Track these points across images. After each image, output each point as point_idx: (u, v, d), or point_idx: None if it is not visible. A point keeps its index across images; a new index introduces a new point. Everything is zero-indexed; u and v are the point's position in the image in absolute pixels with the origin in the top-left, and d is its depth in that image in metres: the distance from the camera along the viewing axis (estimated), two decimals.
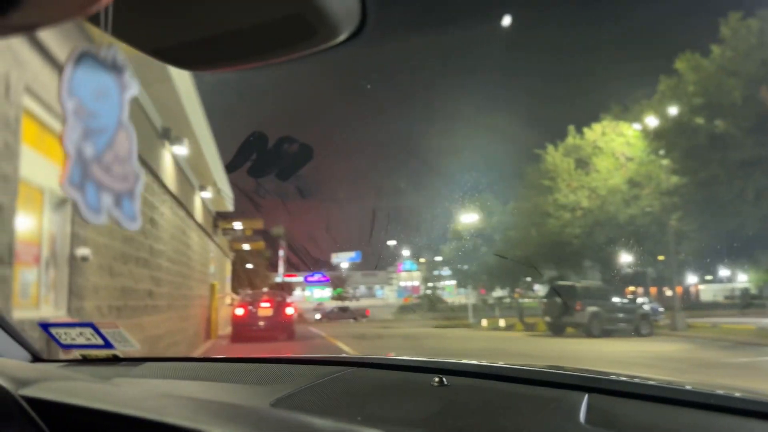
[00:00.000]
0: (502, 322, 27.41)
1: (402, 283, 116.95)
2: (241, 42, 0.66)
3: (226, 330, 19.96)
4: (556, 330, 19.01)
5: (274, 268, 58.43)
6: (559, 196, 26.74)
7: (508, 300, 54.28)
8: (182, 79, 10.16)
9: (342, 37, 0.62)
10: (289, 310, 17.09)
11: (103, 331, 1.56)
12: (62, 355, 1.71)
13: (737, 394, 1.08)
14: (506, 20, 21.49)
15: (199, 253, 14.82)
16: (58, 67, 4.44)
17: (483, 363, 1.36)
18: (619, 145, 24.25)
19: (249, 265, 43.99)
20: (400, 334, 21.17)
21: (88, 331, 1.55)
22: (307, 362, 1.55)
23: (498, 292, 50.85)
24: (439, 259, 62.13)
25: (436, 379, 1.18)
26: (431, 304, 63.26)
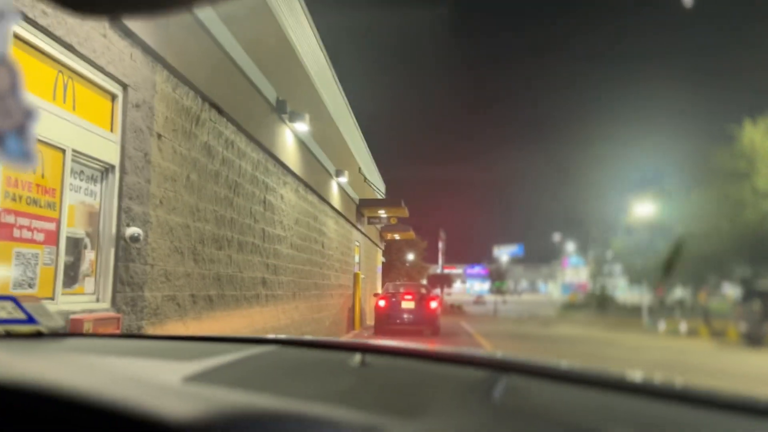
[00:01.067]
0: (683, 326, 24.06)
1: (567, 279, 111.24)
2: None
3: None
4: (753, 340, 15.75)
5: (432, 259, 58.08)
6: (759, 181, 22.42)
7: (688, 301, 48.24)
8: (306, 43, 9.39)
9: None
10: (433, 304, 15.92)
11: (24, 305, 1.50)
12: None
13: (652, 380, 1.10)
14: None
15: (338, 241, 14.24)
16: None
17: (405, 344, 1.41)
18: None
19: (406, 256, 43.90)
20: (564, 336, 18.98)
21: (9, 305, 1.49)
22: (229, 340, 1.58)
23: (678, 292, 45.35)
24: (609, 253, 57.45)
25: (357, 358, 1.19)
26: (600, 302, 58.61)
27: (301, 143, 9.94)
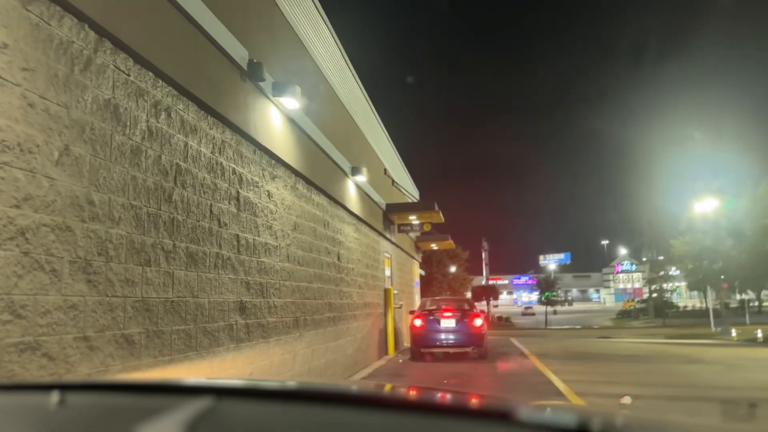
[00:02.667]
0: (759, 333, 20.95)
1: (620, 286, 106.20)
2: None
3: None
4: None
5: (475, 270, 55.15)
6: None
7: (756, 304, 43.87)
8: None
9: None
10: (477, 322, 13.50)
11: None
12: None
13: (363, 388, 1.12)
14: None
15: (361, 251, 12.05)
16: None
17: (100, 378, 1.55)
18: None
19: (447, 268, 41.35)
20: (635, 353, 16.17)
21: None
22: None
23: (748, 295, 41.29)
24: (666, 257, 53.54)
25: (56, 399, 1.05)
26: (658, 309, 54.52)
27: (296, 127, 7.83)
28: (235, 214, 5.88)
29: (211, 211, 5.34)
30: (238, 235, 5.91)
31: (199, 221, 5.10)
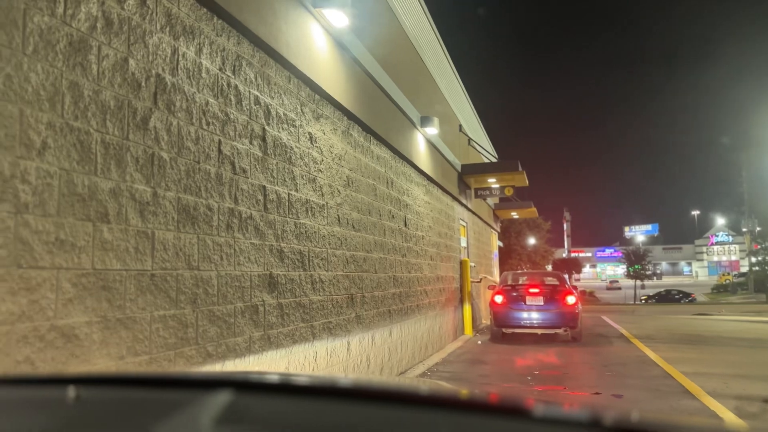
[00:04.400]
0: None
1: (715, 258, 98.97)
2: None
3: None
4: None
5: (555, 243, 52.11)
6: None
7: None
8: None
9: None
10: (570, 299, 11.59)
11: None
12: None
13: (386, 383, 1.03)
14: None
15: (432, 217, 10.41)
16: None
17: (115, 372, 1.47)
18: None
19: (526, 240, 38.91)
20: (749, 335, 13.64)
21: None
22: None
23: None
24: (760, 229, 48.49)
25: (72, 393, 1.02)
26: (759, 283, 49.62)
27: (348, 56, 6.22)
28: (260, 158, 4.38)
29: (219, 150, 3.85)
30: (264, 186, 4.41)
31: (199, 162, 3.61)
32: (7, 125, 2.36)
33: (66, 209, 2.63)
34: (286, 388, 1.05)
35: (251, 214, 4.22)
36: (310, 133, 5.30)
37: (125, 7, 3.05)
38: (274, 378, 1.14)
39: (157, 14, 3.30)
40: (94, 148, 2.80)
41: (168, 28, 3.39)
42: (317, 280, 5.29)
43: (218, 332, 3.73)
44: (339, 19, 5.42)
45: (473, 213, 15.49)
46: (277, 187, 4.62)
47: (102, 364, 2.78)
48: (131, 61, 3.08)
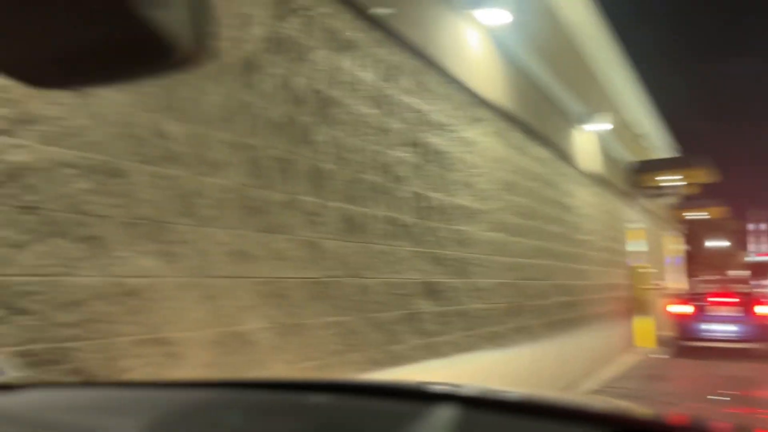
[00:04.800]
0: None
1: None
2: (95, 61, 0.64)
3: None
4: None
5: (741, 244, 46.05)
6: None
7: None
8: None
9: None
10: (761, 309, 10.14)
11: None
12: None
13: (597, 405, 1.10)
14: None
15: (598, 220, 9.75)
16: None
17: (346, 379, 1.57)
18: None
19: (712, 241, 34.95)
20: None
21: None
22: (193, 385, 1.41)
23: None
24: None
25: (311, 399, 1.10)
26: None
27: (503, 54, 6.03)
28: (416, 165, 4.38)
29: (377, 161, 3.92)
30: (418, 194, 4.40)
31: (358, 173, 3.70)
32: (192, 144, 2.59)
33: (240, 221, 2.81)
34: (521, 408, 0.98)
35: (408, 221, 4.23)
36: (466, 137, 5.21)
37: (289, 26, 3.22)
38: (512, 396, 1.11)
39: (316, 30, 3.44)
40: (263, 163, 2.98)
41: (329, 43, 3.52)
42: (476, 287, 5.17)
43: (381, 339, 3.78)
44: (496, 18, 5.27)
45: (647, 214, 14.26)
46: (433, 194, 4.59)
47: (278, 368, 2.93)
48: (295, 78, 3.23)
